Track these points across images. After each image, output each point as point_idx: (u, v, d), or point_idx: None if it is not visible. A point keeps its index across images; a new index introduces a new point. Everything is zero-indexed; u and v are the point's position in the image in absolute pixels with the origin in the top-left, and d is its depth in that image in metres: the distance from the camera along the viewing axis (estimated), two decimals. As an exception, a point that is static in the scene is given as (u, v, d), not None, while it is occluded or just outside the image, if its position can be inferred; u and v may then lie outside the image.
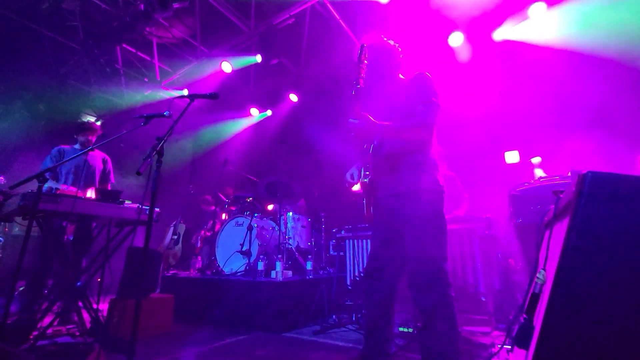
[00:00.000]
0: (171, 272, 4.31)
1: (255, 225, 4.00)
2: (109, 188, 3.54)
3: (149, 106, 6.26)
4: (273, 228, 4.28)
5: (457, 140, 4.28)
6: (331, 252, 4.20)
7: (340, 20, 4.99)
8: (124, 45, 5.58)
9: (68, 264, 2.65)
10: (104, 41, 5.06)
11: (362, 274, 3.05)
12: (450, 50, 4.73)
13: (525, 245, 2.62)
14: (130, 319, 1.55)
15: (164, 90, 6.33)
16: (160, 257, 3.33)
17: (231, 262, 3.95)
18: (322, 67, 5.96)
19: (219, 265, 4.08)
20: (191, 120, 7.39)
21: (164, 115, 2.07)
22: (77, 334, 2.61)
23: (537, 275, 1.13)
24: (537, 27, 4.18)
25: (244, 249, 3.85)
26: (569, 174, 2.28)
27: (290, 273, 3.61)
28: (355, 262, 3.39)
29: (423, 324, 1.67)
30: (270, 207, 5.18)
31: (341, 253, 3.82)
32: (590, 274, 0.92)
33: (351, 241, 3.57)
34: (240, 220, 4.24)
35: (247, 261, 3.72)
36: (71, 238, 3.04)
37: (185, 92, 6.15)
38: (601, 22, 3.67)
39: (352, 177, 2.00)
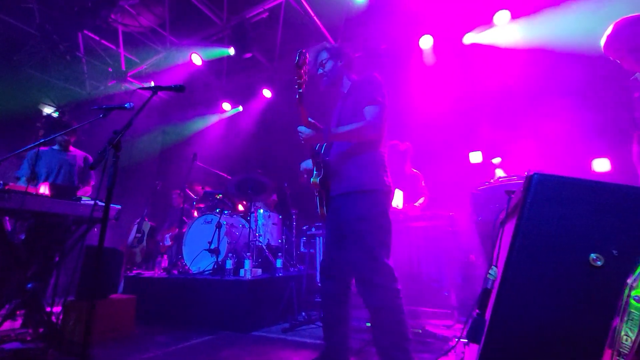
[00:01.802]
0: (134, 271, 4.14)
1: (225, 222, 3.91)
2: (90, 187, 3.50)
3: (113, 97, 5.96)
4: (243, 225, 4.21)
5: (425, 140, 4.39)
6: (302, 250, 4.20)
7: (314, 17, 4.96)
8: (87, 32, 5.26)
9: (17, 265, 2.47)
10: (63, 26, 4.73)
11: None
12: (421, 52, 4.84)
13: (484, 241, 2.74)
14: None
15: (130, 82, 6.04)
16: (121, 256, 3.19)
17: (199, 261, 3.85)
18: (297, 63, 5.91)
19: (185, 264, 3.97)
20: (159, 114, 7.12)
21: (124, 108, 1.96)
22: (28, 338, 2.45)
23: (489, 271, 1.18)
24: (502, 33, 4.35)
25: (212, 246, 3.76)
26: (526, 174, 2.38)
27: (259, 271, 3.56)
28: (325, 259, 3.40)
29: (372, 321, 1.73)
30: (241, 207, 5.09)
31: (311, 250, 3.84)
32: (534, 272, 0.97)
33: (321, 238, 3.59)
34: (209, 217, 4.14)
35: (215, 260, 3.64)
36: (22, 237, 2.83)
37: (153, 84, 5.89)
38: (565, 25, 3.85)
39: (306, 169, 2.07)
